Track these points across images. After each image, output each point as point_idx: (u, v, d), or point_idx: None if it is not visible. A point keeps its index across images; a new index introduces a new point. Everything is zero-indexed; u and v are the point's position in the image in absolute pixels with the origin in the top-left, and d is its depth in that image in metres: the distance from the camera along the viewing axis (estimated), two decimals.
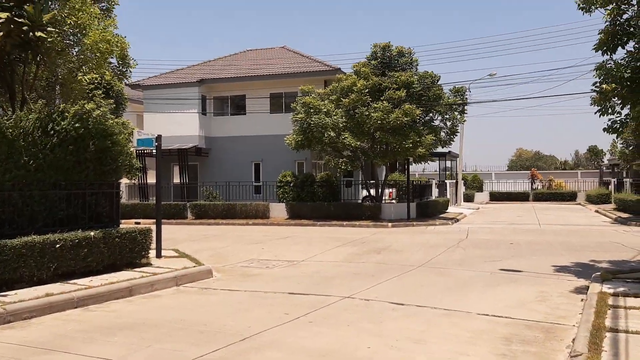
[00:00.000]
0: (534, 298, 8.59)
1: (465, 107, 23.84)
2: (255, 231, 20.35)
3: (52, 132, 9.52)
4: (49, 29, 9.39)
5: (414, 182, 25.00)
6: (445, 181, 35.07)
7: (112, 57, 11.64)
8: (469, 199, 40.54)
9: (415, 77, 23.24)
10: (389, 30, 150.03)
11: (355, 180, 27.56)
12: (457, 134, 23.96)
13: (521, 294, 8.86)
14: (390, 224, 21.68)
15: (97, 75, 28.09)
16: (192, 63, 32.42)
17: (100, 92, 27.66)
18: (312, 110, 22.70)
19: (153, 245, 11.48)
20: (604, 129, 10.66)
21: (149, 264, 11.07)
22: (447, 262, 12.21)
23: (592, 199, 36.54)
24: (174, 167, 29.25)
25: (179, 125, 28.16)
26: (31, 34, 9.23)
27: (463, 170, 40.96)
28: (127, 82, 11.87)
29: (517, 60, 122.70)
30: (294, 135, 23.52)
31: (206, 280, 10.45)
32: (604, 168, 45.02)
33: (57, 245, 9.04)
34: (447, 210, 28.64)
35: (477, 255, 13.26)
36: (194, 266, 10.94)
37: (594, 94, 10.76)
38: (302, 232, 19.79)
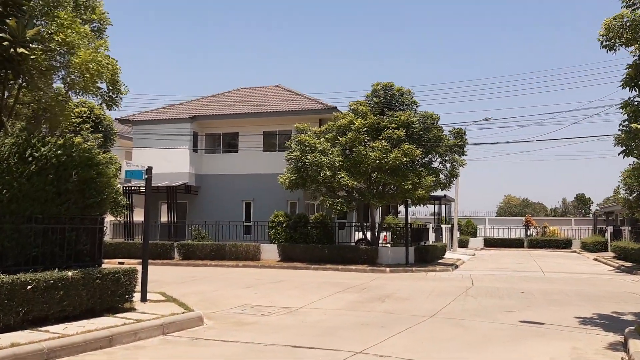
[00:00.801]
0: (568, 356, 7.61)
1: (465, 150, 23.23)
2: (246, 274, 19.18)
3: (30, 158, 8.53)
4: (32, 45, 8.54)
5: (412, 226, 24.08)
6: (441, 226, 34.21)
7: (101, 82, 10.77)
8: (463, 244, 39.63)
9: (415, 117, 22.65)
10: (381, 73, 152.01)
11: (349, 221, 26.60)
12: (457, 177, 23.24)
13: (552, 350, 7.87)
14: (388, 269, 20.63)
15: (86, 109, 27.43)
16: (184, 99, 31.77)
17: (89, 125, 26.78)
18: (307, 149, 21.92)
19: (138, 288, 10.37)
20: (631, 171, 9.90)
21: (132, 309, 9.92)
22: (460, 312, 11.18)
23: (588, 247, 35.83)
24: (162, 205, 28.12)
25: (168, 162, 27.19)
26: (12, 50, 8.38)
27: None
28: (117, 109, 10.95)
29: (514, 102, 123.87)
30: (288, 174, 22.65)
31: (196, 329, 9.32)
32: (598, 216, 44.52)
33: (29, 287, 7.93)
34: (444, 256, 27.67)
35: (490, 305, 12.25)
36: (183, 312, 9.81)
37: (619, 132, 10.08)
38: (296, 275, 18.66)
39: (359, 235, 27.57)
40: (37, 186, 8.67)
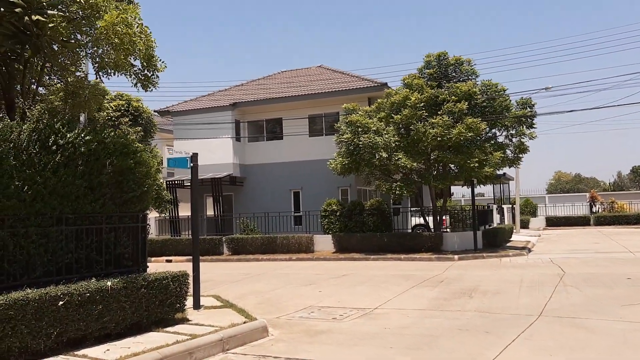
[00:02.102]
0: None
1: (534, 122, 20.96)
2: (302, 268, 17.64)
3: (54, 147, 7.08)
4: (50, 11, 7.05)
5: (477, 208, 22.04)
6: (503, 206, 31.93)
7: (135, 58, 9.28)
8: (523, 225, 37.11)
9: (477, 87, 20.53)
10: (432, 43, 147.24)
11: (404, 207, 24.77)
12: (526, 151, 21.03)
13: None
14: (456, 257, 18.74)
15: (124, 102, 26.36)
16: (223, 87, 30.40)
17: (127, 119, 25.74)
18: (359, 129, 20.15)
19: (190, 291, 8.88)
20: None
21: (185, 320, 8.45)
22: (570, 308, 9.28)
23: None
24: (207, 198, 26.87)
25: (211, 153, 25.85)
26: (26, 18, 6.91)
27: (513, 195, 37.78)
28: (153, 89, 9.44)
29: (575, 67, 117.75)
30: (340, 158, 20.94)
31: (261, 342, 7.77)
32: None
33: (61, 303, 6.51)
34: (511, 239, 25.52)
35: (600, 296, 10.29)
36: (244, 321, 8.27)
37: None
38: (357, 268, 17.00)
39: (415, 220, 25.76)
40: (66, 180, 7.23)
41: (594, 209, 39.70)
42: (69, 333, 6.62)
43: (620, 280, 12.04)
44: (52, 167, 7.07)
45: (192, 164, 9.70)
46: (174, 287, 8.17)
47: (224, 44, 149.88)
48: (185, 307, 8.65)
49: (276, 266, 18.60)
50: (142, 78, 9.70)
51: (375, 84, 24.08)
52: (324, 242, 21.78)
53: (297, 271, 16.68)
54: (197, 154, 9.79)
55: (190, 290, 8.93)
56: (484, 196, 40.11)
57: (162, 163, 26.11)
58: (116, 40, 7.64)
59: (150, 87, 9.80)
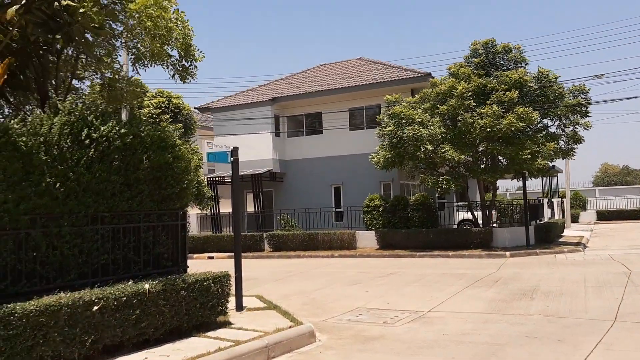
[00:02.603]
0: None
1: (589, 110, 19.72)
2: (345, 266, 17.03)
3: (87, 141, 6.65)
4: None
5: (529, 202, 20.94)
6: (552, 200, 30.56)
7: (172, 48, 8.82)
8: (573, 219, 35.56)
9: (528, 76, 19.44)
10: (475, 32, 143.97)
11: (449, 201, 23.83)
12: (581, 142, 19.82)
13: None
14: (508, 254, 17.79)
15: (164, 99, 26.25)
16: (262, 82, 30.04)
17: (168, 116, 25.61)
18: (403, 121, 19.37)
19: (232, 291, 8.36)
20: None
21: (227, 323, 7.95)
22: None
23: None
24: (247, 194, 26.54)
25: (251, 149, 25.47)
26: (56, 3, 6.48)
27: (561, 188, 36.22)
28: (191, 80, 8.98)
29: (627, 53, 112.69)
30: (382, 152, 20.21)
31: (309, 349, 7.19)
32: None
33: (95, 308, 6.07)
34: (563, 234, 24.30)
35: None
36: (290, 326, 7.70)
37: None
38: (403, 266, 16.28)
39: (461, 215, 24.79)
40: (100, 176, 6.80)
41: None
42: (104, 340, 6.18)
43: None
44: (86, 162, 6.64)
45: (232, 159, 9.19)
46: (216, 288, 7.66)
47: (263, 39, 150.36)
48: (228, 309, 8.14)
49: (318, 263, 18.04)
50: (180, 69, 9.24)
51: (419, 74, 23.20)
52: (366, 239, 21.12)
53: (340, 269, 16.08)
54: (237, 147, 9.28)
55: (233, 290, 8.43)
56: (530, 190, 38.61)
57: (202, 159, 25.95)
58: (149, 24, 7.16)
59: (188, 79, 9.34)
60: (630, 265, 13.66)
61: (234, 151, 9.20)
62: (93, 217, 6.83)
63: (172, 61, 9.13)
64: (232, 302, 8.57)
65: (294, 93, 25.70)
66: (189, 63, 9.16)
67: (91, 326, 6.03)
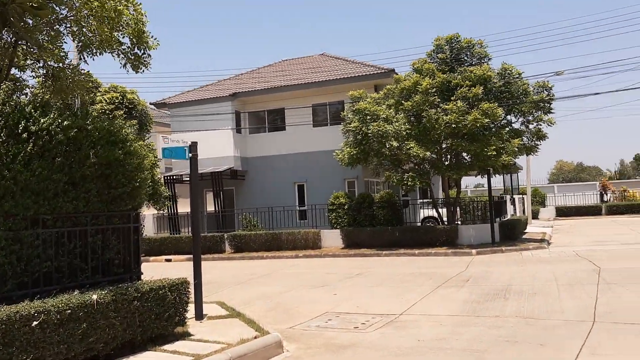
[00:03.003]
0: None
1: (552, 107, 19.74)
2: (311, 267, 16.50)
3: (25, 134, 5.89)
4: None
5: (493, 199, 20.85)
6: (514, 197, 30.79)
7: (123, 35, 8.09)
8: (534, 215, 36.04)
9: (492, 71, 19.31)
10: (436, 28, 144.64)
11: (412, 199, 23.62)
12: (544, 138, 19.83)
13: None
14: (474, 251, 17.60)
15: (118, 94, 25.11)
16: (222, 78, 29.17)
17: (122, 112, 24.50)
18: (368, 118, 18.96)
19: (191, 298, 7.71)
20: None
21: (186, 335, 7.30)
22: (625, 311, 8.11)
23: None
24: (207, 193, 25.72)
25: (211, 146, 24.64)
26: None
27: (521, 185, 36.70)
28: (145, 69, 8.24)
29: (587, 49, 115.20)
30: (347, 148, 19.77)
31: None
32: None
33: (35, 323, 5.35)
34: (526, 230, 24.41)
35: None
36: (255, 336, 7.11)
37: None
38: (370, 265, 15.87)
39: (423, 213, 24.63)
40: (41, 174, 6.04)
41: (605, 198, 38.61)
42: (46, 359, 5.46)
43: None
44: (24, 158, 5.87)
45: (190, 154, 8.52)
46: (173, 297, 7.01)
47: (222, 35, 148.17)
48: (187, 318, 7.50)
49: (283, 264, 17.46)
50: (132, 57, 8.49)
51: (382, 70, 22.87)
52: (332, 238, 20.64)
53: (306, 270, 15.54)
54: (196, 142, 8.62)
55: (192, 297, 7.78)
56: (484, 187, 38.95)
57: (158, 157, 24.94)
58: (96, 4, 6.43)
59: (141, 68, 8.60)
60: (598, 262, 13.59)
61: (193, 146, 8.53)
62: (33, 220, 6.07)
63: (124, 49, 8.38)
64: (191, 310, 7.93)
65: (256, 88, 25.02)
66: (142, 51, 8.43)
67: (30, 344, 5.31)
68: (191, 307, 7.89)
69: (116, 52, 8.34)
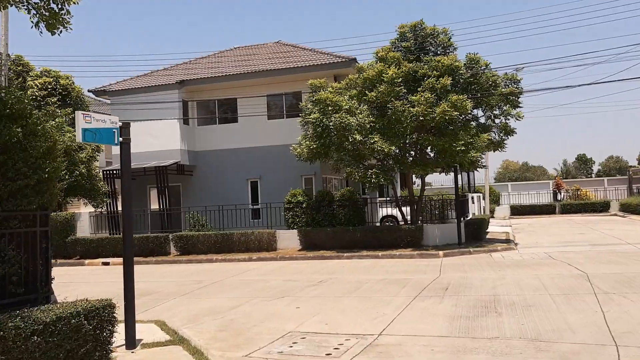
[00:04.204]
0: None
1: (520, 100, 18.79)
2: (266, 272, 14.84)
3: None
4: None
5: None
6: (472, 195, 29.99)
7: None
8: (490, 214, 35.52)
9: (460, 62, 18.16)
10: (399, 17, 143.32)
11: (372, 197, 22.32)
12: (512, 134, 18.85)
13: None
14: (440, 253, 16.41)
15: (51, 79, 22.62)
16: (169, 65, 27.04)
17: (55, 99, 22.10)
18: (329, 109, 17.43)
19: (121, 313, 5.97)
20: None
21: None
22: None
23: (634, 209, 31.78)
24: (151, 190, 23.63)
25: (155, 138, 22.66)
26: None
27: (478, 183, 36.13)
28: (63, 29, 6.36)
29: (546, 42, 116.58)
30: (306, 142, 18.20)
31: None
32: (633, 174, 40.47)
33: None
34: (488, 230, 23.51)
35: None
36: None
37: None
38: (333, 270, 14.38)
39: (383, 212, 23.39)
40: None
41: (558, 197, 38.57)
42: None
43: None
44: None
45: (121, 139, 6.74)
46: (92, 326, 5.25)
47: (171, 22, 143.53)
48: (113, 348, 5.74)
49: (235, 269, 15.71)
50: (47, 14, 6.64)
51: (343, 59, 21.41)
52: (288, 239, 19.03)
53: (261, 276, 13.86)
54: (128, 124, 6.86)
55: (123, 315, 6.04)
56: (448, 185, 38.32)
57: (97, 151, 22.65)
58: None
59: (58, 28, 6.75)
60: (580, 266, 12.55)
61: (124, 129, 6.77)
62: None
63: (35, 2, 6.51)
64: (121, 332, 6.19)
65: (205, 76, 23.08)
66: (60, 5, 6.59)
67: None
68: (121, 328, 6.16)
69: (24, 5, 6.46)
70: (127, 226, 6.97)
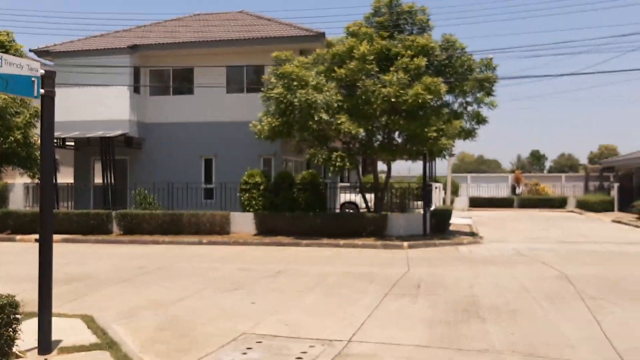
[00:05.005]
0: None
1: (494, 88, 17.98)
2: (218, 258, 13.54)
3: None
4: None
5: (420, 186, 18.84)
6: (434, 185, 29.33)
7: None
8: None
9: (435, 43, 17.15)
10: None
11: (333, 182, 21.25)
12: (485, 122, 18.05)
13: None
14: (405, 244, 15.50)
15: None
16: (121, 28, 25.05)
17: None
18: (295, 84, 16.12)
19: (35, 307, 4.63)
20: None
21: None
22: None
23: (590, 206, 31.95)
24: (95, 163, 21.80)
25: (102, 106, 20.82)
26: None
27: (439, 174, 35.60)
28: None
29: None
30: (268, 119, 16.87)
31: None
32: (589, 173, 40.89)
33: None
34: (450, 221, 22.82)
35: None
36: None
37: None
38: (292, 258, 13.22)
39: (343, 197, 22.41)
40: None
41: (517, 191, 38.57)
42: None
43: None
44: None
45: (43, 91, 5.32)
46: None
47: None
48: (20, 353, 4.41)
49: (183, 253, 14.33)
50: None
51: (311, 33, 20.05)
52: (243, 222, 17.73)
53: (212, 263, 12.56)
54: (53, 72, 5.44)
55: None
56: (405, 174, 37.75)
57: (37, 117, 20.63)
58: None
59: None
60: (556, 266, 11.83)
61: (47, 78, 5.34)
62: None
63: None
64: (31, 336, 4.85)
65: (161, 42, 21.30)
66: None
67: None
68: (33, 324, 4.83)
69: None
70: (46, 200, 5.58)
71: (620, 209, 30.37)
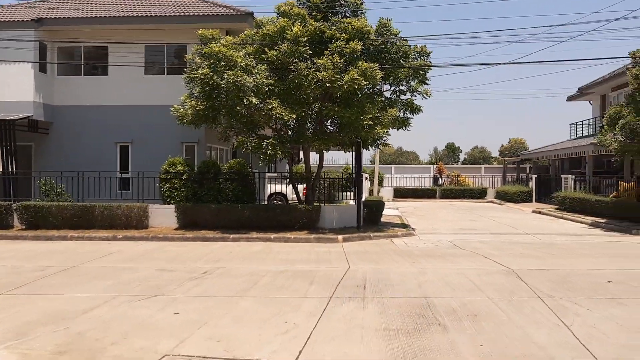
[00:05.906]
0: None
1: (428, 77, 17.51)
2: (134, 256, 12.09)
3: None
4: None
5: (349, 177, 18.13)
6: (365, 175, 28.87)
7: None
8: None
9: (371, 27, 16.38)
10: None
11: (261, 171, 20.14)
12: (418, 112, 17.55)
13: None
14: (339, 237, 14.70)
15: None
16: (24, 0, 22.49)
17: None
18: (222, 64, 14.85)
19: None
20: None
21: None
22: (629, 354, 5.51)
23: (509, 197, 32.72)
24: None
25: (3, 85, 18.54)
26: None
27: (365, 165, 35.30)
28: None
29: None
30: (192, 102, 15.46)
31: None
32: (509, 164, 42.07)
33: None
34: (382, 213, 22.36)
35: (627, 321, 6.75)
36: None
37: None
38: (220, 255, 12.02)
39: (273, 188, 21.38)
40: None
41: (439, 182, 39.03)
42: None
43: (605, 286, 8.79)
44: None
45: None
46: None
47: None
48: None
49: (94, 250, 12.74)
50: None
51: (239, 12, 18.71)
52: (163, 215, 16.27)
53: (128, 263, 11.12)
54: None
55: None
56: (329, 164, 37.22)
57: None
58: None
59: None
60: (498, 260, 11.41)
61: None
62: None
63: None
64: None
65: (70, 16, 19.18)
66: None
67: None
68: None
69: None
70: None
71: (538, 200, 31.25)
